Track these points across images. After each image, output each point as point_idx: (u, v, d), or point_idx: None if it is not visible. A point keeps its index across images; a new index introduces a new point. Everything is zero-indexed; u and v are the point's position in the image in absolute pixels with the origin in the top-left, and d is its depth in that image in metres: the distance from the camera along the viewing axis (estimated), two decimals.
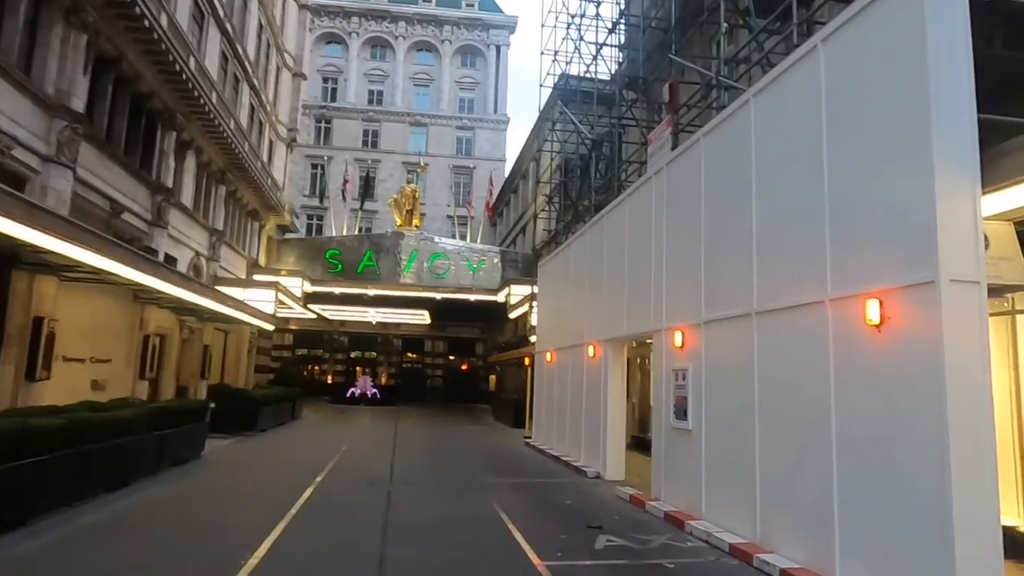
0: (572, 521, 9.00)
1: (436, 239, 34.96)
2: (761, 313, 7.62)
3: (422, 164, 40.05)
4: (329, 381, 47.48)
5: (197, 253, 22.40)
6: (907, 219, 5.55)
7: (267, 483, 11.39)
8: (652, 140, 11.92)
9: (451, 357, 50.79)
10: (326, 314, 43.27)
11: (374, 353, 49.83)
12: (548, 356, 18.24)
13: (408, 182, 37.12)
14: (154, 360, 18.47)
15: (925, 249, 5.29)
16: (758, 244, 7.74)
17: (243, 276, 26.82)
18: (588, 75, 19.78)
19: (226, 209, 25.70)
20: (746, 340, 7.84)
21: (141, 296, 16.99)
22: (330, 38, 55.99)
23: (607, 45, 19.16)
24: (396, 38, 56.00)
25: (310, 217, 49.51)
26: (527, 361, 22.82)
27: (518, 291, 28.55)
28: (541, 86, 22.75)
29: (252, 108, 27.99)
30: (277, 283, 25.19)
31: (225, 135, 21.96)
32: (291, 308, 35.19)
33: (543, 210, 22.73)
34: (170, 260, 19.91)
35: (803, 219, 6.93)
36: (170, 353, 20.59)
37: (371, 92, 55.67)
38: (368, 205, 49.21)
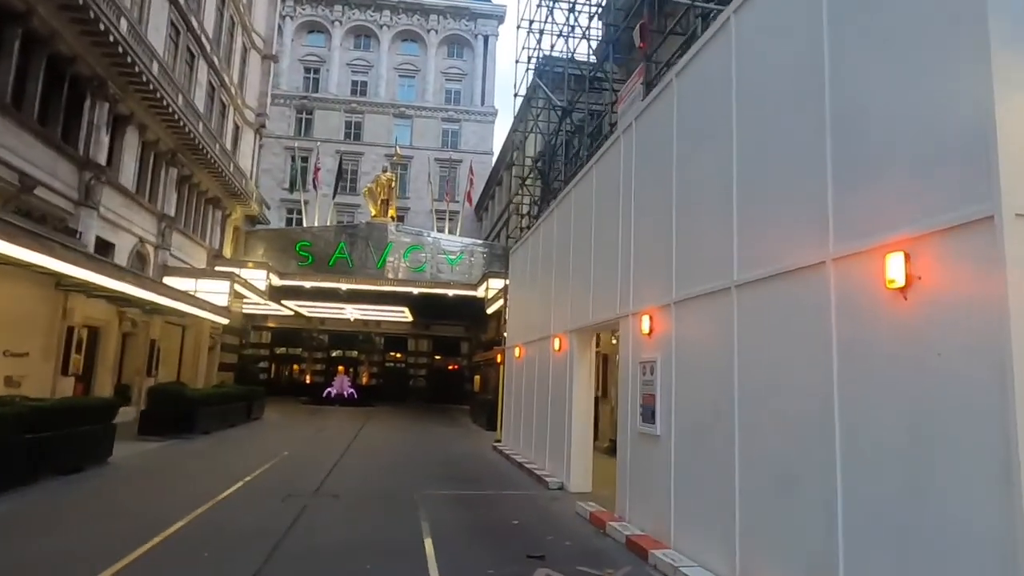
0: (511, 548, 7.26)
1: (412, 230, 33.23)
2: (743, 285, 5.90)
3: (398, 152, 38.20)
4: (308, 381, 45.56)
5: (141, 239, 20.61)
6: (946, 134, 3.83)
7: (162, 497, 9.62)
8: (623, 97, 10.20)
9: (436, 357, 48.93)
10: (302, 311, 41.47)
11: (355, 352, 47.99)
12: (517, 352, 16.52)
13: (384, 170, 35.25)
14: (80, 355, 16.66)
15: (977, 173, 3.57)
16: (739, 198, 6.02)
17: (203, 267, 25.00)
18: (565, 54, 18.07)
19: (179, 194, 23.91)
20: (724, 321, 6.12)
21: (64, 284, 15.21)
22: (312, 27, 54.28)
23: (586, 4, 17.45)
24: (381, 27, 54.31)
25: (290, 211, 47.66)
26: (499, 358, 21.09)
27: (496, 285, 26.83)
28: (516, 62, 21.04)
29: (212, 88, 26.21)
30: (233, 274, 23.37)
31: (172, 112, 20.16)
32: (254, 302, 33.46)
33: (516, 194, 20.93)
34: (105, 245, 18.14)
35: (796, 156, 5.22)
36: (105, 347, 18.79)
37: (354, 83, 54.00)
38: (350, 199, 47.49)
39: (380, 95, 53.17)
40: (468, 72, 54.97)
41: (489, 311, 27.73)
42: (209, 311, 21.16)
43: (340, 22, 53.99)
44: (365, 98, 53.03)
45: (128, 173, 19.42)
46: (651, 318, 7.87)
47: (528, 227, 17.85)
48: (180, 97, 20.99)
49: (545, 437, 12.99)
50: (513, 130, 20.76)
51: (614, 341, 17.88)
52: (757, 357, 5.65)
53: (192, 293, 21.29)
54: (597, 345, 17.53)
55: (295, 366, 47.69)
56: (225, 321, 23.16)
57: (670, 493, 7.06)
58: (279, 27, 53.04)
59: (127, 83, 17.93)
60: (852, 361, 4.46)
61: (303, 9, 53.92)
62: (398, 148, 39.93)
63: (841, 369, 4.54)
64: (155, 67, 18.67)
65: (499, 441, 18.50)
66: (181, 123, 21.06)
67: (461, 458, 15.61)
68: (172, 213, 22.63)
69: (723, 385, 6.06)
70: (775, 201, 5.52)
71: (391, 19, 54.44)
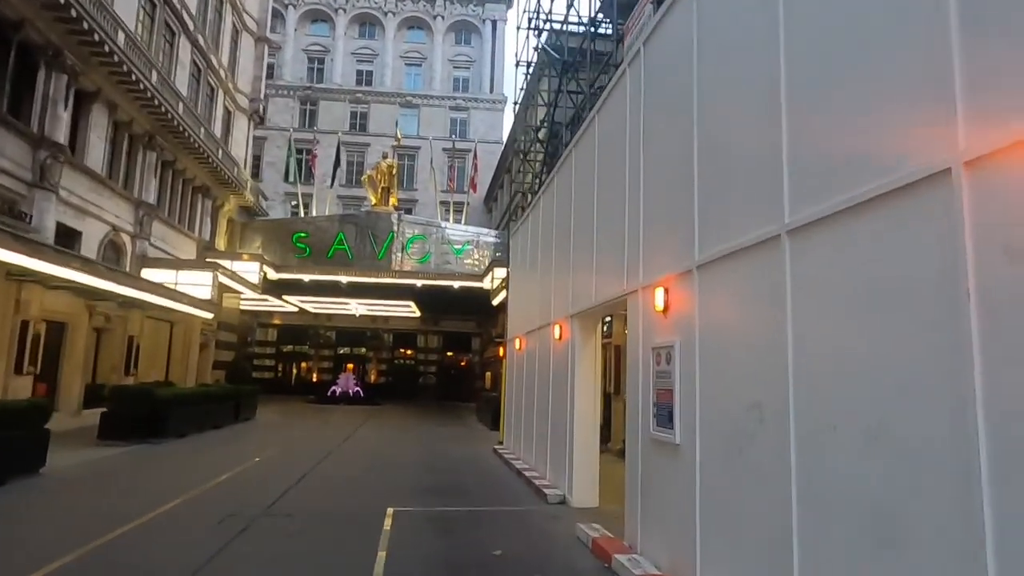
0: None
1: (415, 219, 31.56)
2: (799, 230, 4.04)
3: (399, 137, 36.50)
4: (315, 379, 44.16)
5: (115, 227, 19.09)
6: None
7: (69, 519, 7.95)
8: (629, 28, 8.34)
9: (447, 353, 47.30)
10: (305, 306, 40.06)
11: (363, 349, 46.54)
12: (517, 344, 14.72)
13: (384, 156, 33.52)
14: (37, 352, 15.16)
15: None
16: (791, 97, 4.16)
17: (185, 259, 23.49)
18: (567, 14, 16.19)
19: (162, 181, 22.40)
20: (770, 285, 4.28)
21: (15, 274, 13.69)
22: (316, 16, 52.81)
23: None
24: (385, 14, 52.70)
25: (295, 205, 46.30)
26: (501, 352, 19.33)
27: (501, 274, 25.03)
28: (518, 28, 19.20)
29: (198, 69, 24.68)
30: (216, 265, 21.81)
31: (144, 89, 18.60)
32: (253, 298, 31.99)
33: (519, 172, 19.07)
34: (69, 233, 16.63)
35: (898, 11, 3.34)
36: (72, 344, 17.29)
37: (359, 72, 52.47)
38: (356, 191, 45.91)
39: (386, 84, 51.62)
40: (476, 59, 53.21)
41: (495, 302, 25.94)
42: (188, 305, 19.60)
43: (344, 10, 52.47)
44: (370, 88, 51.48)
45: (96, 155, 17.90)
46: (666, 291, 6.02)
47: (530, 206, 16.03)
48: (155, 74, 19.43)
49: (545, 440, 11.19)
50: (515, 102, 18.94)
51: (628, 332, 16.04)
52: (825, 331, 3.80)
53: (170, 286, 19.75)
54: (608, 335, 15.71)
55: (304, 364, 46.33)
56: (209, 316, 21.64)
57: (695, 521, 5.22)
58: (282, 16, 52.00)
59: (89, 54, 16.38)
60: (1006, 332, 2.60)
61: None
62: (399, 133, 38.17)
63: (984, 346, 2.67)
64: (121, 38, 17.09)
65: (501, 443, 16.76)
66: (157, 103, 19.52)
67: (455, 463, 13.85)
68: (152, 200, 21.13)
69: (770, 377, 4.22)
70: (856, 89, 3.63)
71: (396, 6, 52.81)
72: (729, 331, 4.93)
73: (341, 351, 46.51)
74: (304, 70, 52.26)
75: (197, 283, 20.90)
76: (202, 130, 23.54)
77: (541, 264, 12.65)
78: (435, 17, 52.85)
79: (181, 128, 21.40)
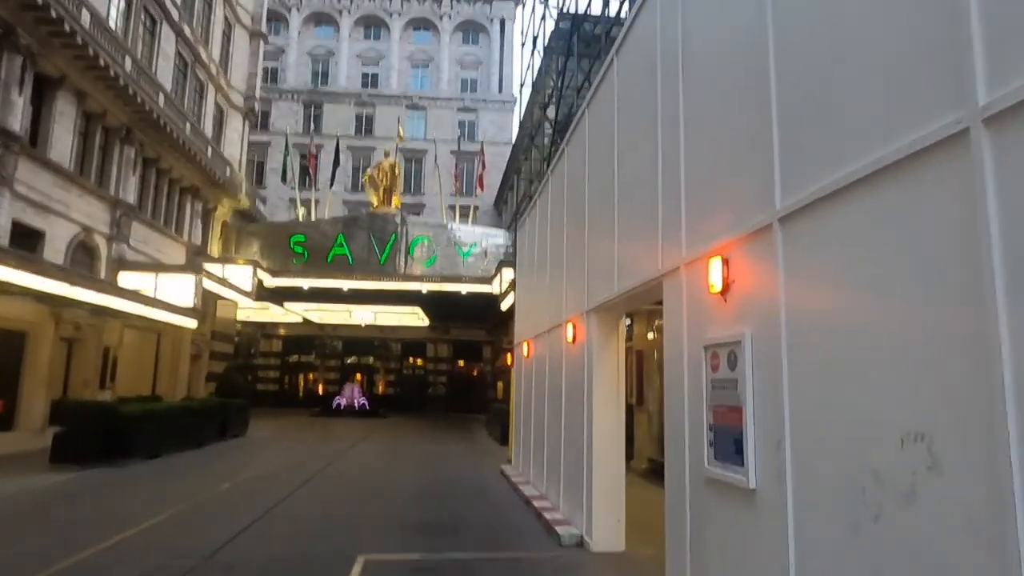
0: None
1: (419, 220, 29.84)
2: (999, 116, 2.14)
3: (401, 134, 34.88)
4: (321, 391, 42.52)
5: (86, 228, 17.48)
6: None
7: None
8: None
9: (459, 362, 45.51)
10: (308, 315, 38.47)
11: (371, 359, 44.92)
12: (525, 349, 12.84)
13: (386, 155, 31.82)
14: None
15: None
16: None
17: (173, 264, 21.87)
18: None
19: (143, 180, 20.84)
20: (955, 222, 2.38)
21: None
22: (319, 18, 51.60)
23: None
24: (391, 15, 51.39)
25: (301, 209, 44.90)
26: (509, 360, 17.50)
27: (510, 276, 23.20)
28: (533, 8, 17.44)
29: (184, 62, 23.18)
30: (200, 269, 20.15)
31: (116, 77, 17.04)
32: (251, 307, 30.40)
33: (526, 159, 17.20)
34: (29, 233, 15.02)
35: None
36: (34, 356, 15.65)
37: (364, 75, 51.19)
38: (362, 197, 44.40)
39: (392, 86, 50.25)
40: (484, 59, 51.72)
41: (504, 307, 24.08)
42: (165, 311, 17.92)
43: (348, 11, 51.25)
44: (376, 90, 50.12)
45: (62, 148, 16.33)
46: (725, 262, 4.13)
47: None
48: (129, 62, 17.87)
49: (558, 463, 9.28)
50: (521, 84, 17.16)
51: (650, 335, 14.10)
52: None
53: (148, 292, 18.10)
54: (628, 339, 13.80)
55: (311, 375, 44.74)
56: (192, 324, 19.96)
57: None
58: (285, 19, 50.85)
59: (48, 35, 14.82)
60: None
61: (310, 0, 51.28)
62: (401, 130, 36.56)
63: None
64: (86, 18, 15.54)
65: (510, 462, 14.88)
66: (132, 92, 17.95)
67: (454, 489, 11.95)
68: (131, 200, 19.55)
69: (954, 390, 2.31)
70: None
71: (402, 6, 51.51)
72: (849, 314, 3.02)
73: (348, 361, 45.00)
74: (308, 74, 51.08)
75: (180, 289, 19.25)
76: (187, 126, 21.98)
77: (551, 255, 10.78)
78: (442, 17, 51.48)
79: (162, 122, 19.83)
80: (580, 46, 13.74)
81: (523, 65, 17.23)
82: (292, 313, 36.66)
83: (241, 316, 37.08)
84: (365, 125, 49.65)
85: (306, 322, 40.81)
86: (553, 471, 9.72)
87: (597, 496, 7.49)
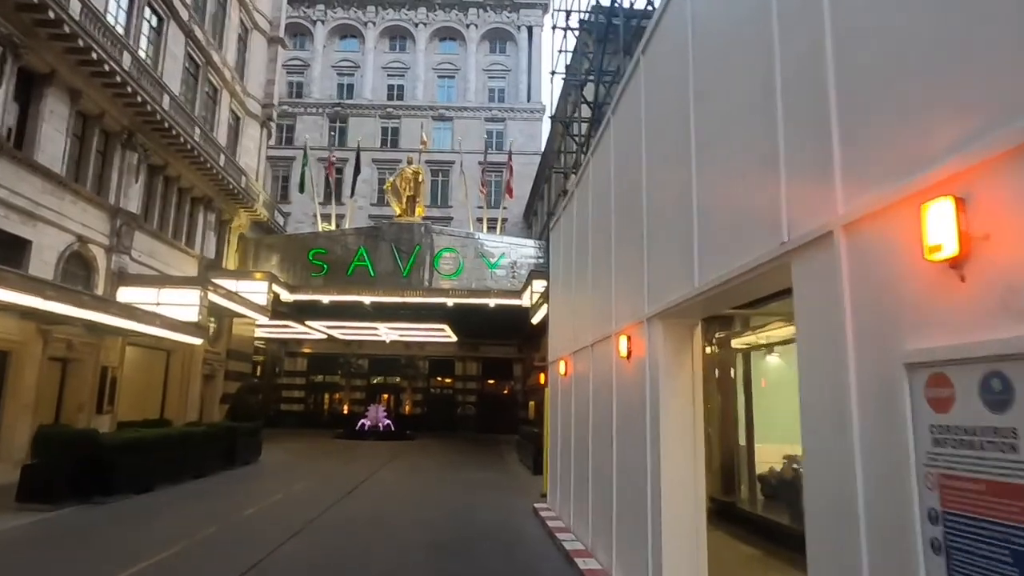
0: None
1: (445, 231, 28.17)
2: None
3: (425, 141, 33.39)
4: (345, 411, 40.99)
5: (81, 238, 16.10)
6: None
7: None
8: None
9: (489, 381, 43.68)
10: (332, 332, 37.08)
11: (397, 378, 43.35)
12: (562, 367, 10.88)
13: (409, 162, 30.23)
14: None
15: None
16: None
17: (177, 276, 20.45)
18: None
19: (149, 189, 19.52)
20: None
21: None
22: (345, 31, 50.83)
23: None
24: (416, 26, 50.40)
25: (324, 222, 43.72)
26: (542, 379, 15.57)
27: (541, 288, 21.34)
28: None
29: (196, 64, 21.97)
30: (207, 282, 18.65)
31: (112, 73, 15.72)
32: (271, 324, 28.99)
33: (560, 151, 15.28)
34: (15, 242, 13.64)
35: None
36: (18, 378, 14.17)
37: (390, 87, 50.17)
38: (388, 211, 43.14)
39: (418, 98, 49.11)
40: (512, 67, 50.34)
41: (535, 320, 22.15)
42: (165, 328, 16.38)
43: (374, 23, 50.39)
44: (402, 102, 49.04)
45: (53, 150, 15.00)
46: (961, 205, 2.17)
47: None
48: (128, 58, 16.56)
49: (608, 510, 7.28)
50: (551, 71, 15.34)
51: (709, 349, 12.03)
52: None
53: (149, 307, 16.63)
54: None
55: (336, 394, 43.29)
56: (197, 341, 18.43)
57: None
58: (310, 32, 50.21)
59: (33, 24, 13.52)
60: None
61: (334, 12, 50.59)
62: (425, 136, 35.11)
63: None
64: (75, 7, 14.22)
65: (544, 496, 12.89)
66: (131, 91, 16.62)
67: (480, 536, 9.98)
68: (134, 209, 18.19)
69: None
70: None
71: (427, 16, 50.50)
72: None
73: (374, 380, 43.54)
74: (333, 87, 50.25)
75: (183, 303, 17.76)
76: (197, 131, 20.65)
77: (594, 255, 8.85)
78: (468, 26, 50.33)
79: (168, 126, 18.50)
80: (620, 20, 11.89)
81: (554, 48, 15.40)
82: (313, 330, 35.33)
83: (262, 333, 35.94)
84: (391, 138, 48.59)
85: (331, 339, 39.44)
86: (601, 519, 7.72)
87: (669, 565, 5.48)
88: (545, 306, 19.00)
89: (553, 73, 15.53)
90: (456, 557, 8.57)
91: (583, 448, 8.98)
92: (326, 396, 43.17)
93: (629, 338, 6.67)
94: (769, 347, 11.02)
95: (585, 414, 8.90)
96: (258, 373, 41.83)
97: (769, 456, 10.11)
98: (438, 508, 12.46)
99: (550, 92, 15.72)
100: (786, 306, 9.38)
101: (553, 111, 13.94)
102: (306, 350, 42.87)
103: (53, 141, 14.99)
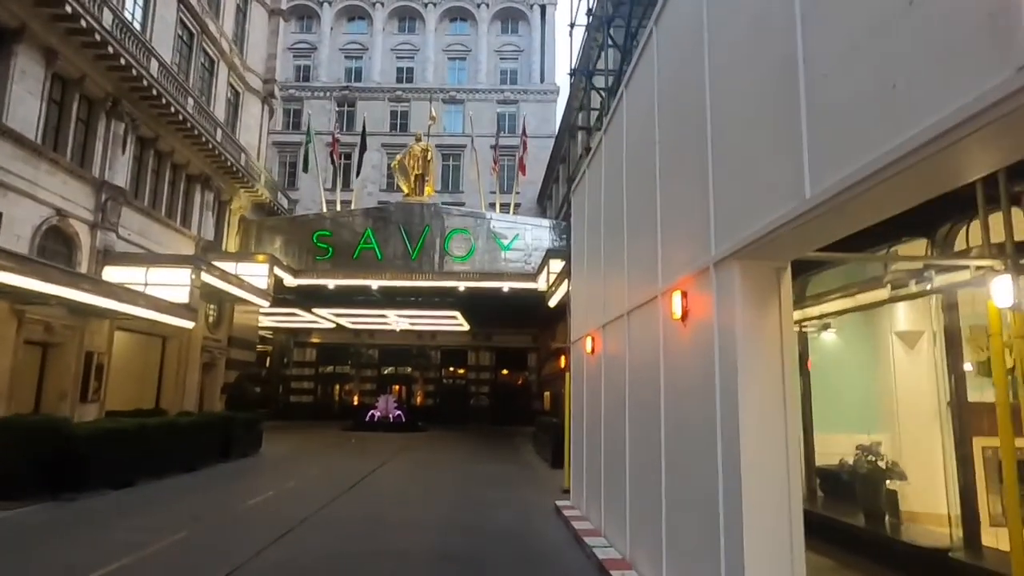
0: None
1: (455, 210, 26.71)
2: None
3: (433, 116, 31.94)
4: (355, 403, 39.83)
5: (61, 212, 14.82)
6: None
7: None
8: None
9: (502, 371, 42.41)
10: (341, 320, 35.85)
11: (409, 369, 42.19)
12: (588, 344, 9.39)
13: (418, 139, 28.71)
14: None
15: None
16: None
17: (167, 255, 19.13)
18: None
19: (140, 163, 18.24)
20: None
21: None
22: (352, 12, 49.36)
23: None
24: (426, 6, 48.86)
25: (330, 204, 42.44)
26: (562, 362, 14.13)
27: (558, 268, 19.86)
28: None
29: (189, 32, 20.63)
30: (198, 261, 17.32)
31: (90, 30, 14.38)
32: (274, 312, 27.76)
33: (582, 106, 13.72)
34: None
35: None
36: None
37: (399, 70, 48.71)
38: (398, 197, 41.82)
39: (427, 80, 47.60)
40: (524, 48, 48.70)
41: (552, 303, 20.68)
42: (153, 309, 15.07)
43: (382, 4, 48.89)
44: (411, 84, 47.56)
45: (25, 114, 13.70)
46: None
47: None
48: (110, 17, 15.21)
49: (656, 513, 5.81)
50: (570, 24, 13.78)
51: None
52: None
53: (129, 286, 15.34)
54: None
55: (346, 386, 42.16)
56: (188, 324, 17.11)
57: None
58: (317, 15, 48.81)
59: None
60: None
61: None
62: (433, 111, 33.66)
63: None
64: None
65: (566, 492, 11.47)
66: (116, 55, 15.29)
67: (496, 543, 8.54)
68: (121, 183, 16.89)
69: None
70: None
71: None
72: None
73: (385, 371, 42.42)
74: (341, 71, 48.85)
75: (174, 283, 16.46)
76: (190, 102, 19.32)
77: (630, 201, 7.35)
78: (479, 6, 48.70)
79: (156, 93, 17.16)
80: None
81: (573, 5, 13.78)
82: (321, 317, 34.10)
83: (269, 322, 34.75)
84: (400, 121, 47.19)
85: (341, 328, 38.24)
86: (646, 527, 6.26)
87: None
88: (564, 285, 17.53)
89: (572, 25, 13.98)
90: (460, 567, 7.13)
91: (617, 438, 7.51)
92: (336, 387, 42.13)
93: (684, 295, 5.18)
94: (826, 323, 9.50)
95: (620, 398, 7.43)
96: (267, 364, 40.79)
97: (834, 447, 8.61)
98: (448, 507, 11.05)
99: (568, 46, 14.14)
100: (841, 276, 7.79)
101: (574, 64, 12.42)
102: (315, 340, 41.82)
103: (25, 104, 13.69)
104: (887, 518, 7.49)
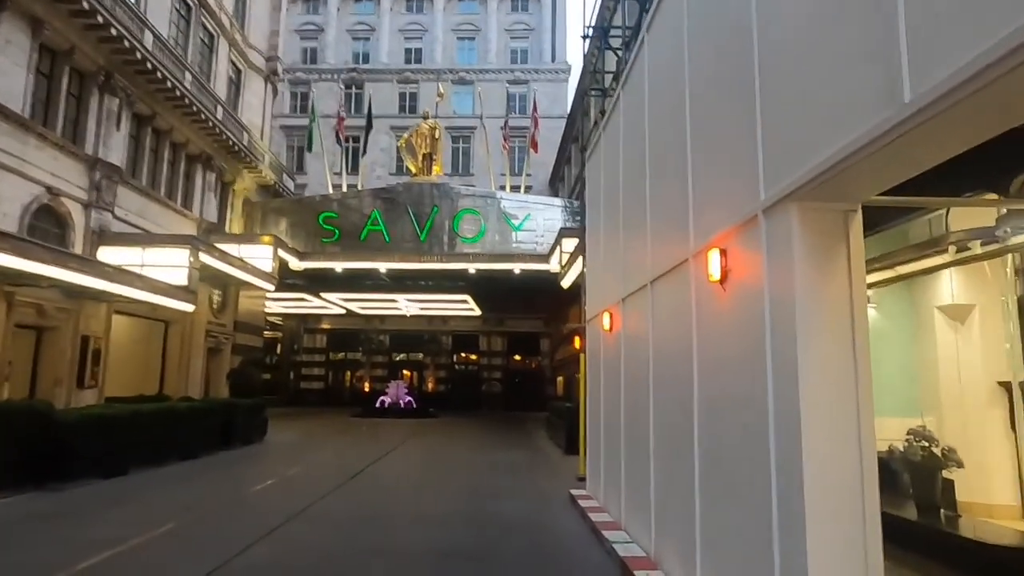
0: None
1: (464, 190, 25.88)
2: None
3: (441, 93, 31.11)
4: (366, 389, 39.33)
5: (52, 190, 14.20)
6: None
7: None
8: None
9: (515, 357, 41.75)
10: (350, 305, 35.24)
11: (420, 354, 41.65)
12: (606, 321, 8.61)
13: (425, 117, 27.86)
14: None
15: None
16: None
17: (164, 235, 18.51)
18: None
19: (136, 141, 17.60)
20: None
21: None
22: None
23: None
24: None
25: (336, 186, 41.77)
26: (576, 344, 13.40)
27: (571, 247, 19.09)
28: None
29: (188, 7, 19.90)
30: (197, 241, 16.68)
31: (80, 0, 13.67)
32: (280, 298, 27.24)
33: (595, 69, 12.84)
34: None
35: None
36: None
37: (408, 51, 47.81)
38: (407, 180, 41.06)
39: (436, 61, 46.64)
40: (535, 26, 47.57)
41: (565, 284, 19.90)
42: (148, 291, 14.45)
43: None
44: (420, 65, 46.62)
45: (10, 86, 13.05)
46: None
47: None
48: None
49: (688, 506, 5.06)
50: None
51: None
52: None
53: (125, 268, 14.73)
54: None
55: (357, 372, 41.67)
56: (188, 307, 16.50)
57: None
58: None
59: None
60: None
61: None
62: (441, 87, 32.82)
63: None
64: None
65: (582, 479, 10.77)
66: (106, 25, 14.58)
67: (506, 538, 7.82)
68: (116, 161, 16.25)
69: None
70: None
71: None
72: None
73: (396, 357, 41.90)
74: (348, 52, 48.01)
75: (171, 264, 15.84)
76: (188, 77, 18.61)
77: (654, 154, 6.53)
78: None
79: (151, 67, 16.47)
80: None
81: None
82: (329, 302, 33.52)
83: (278, 308, 34.24)
84: (409, 103, 46.32)
85: (351, 314, 37.70)
86: (676, 523, 5.51)
87: None
88: (578, 264, 16.73)
89: None
90: (472, 572, 6.42)
91: (639, 422, 6.75)
92: (347, 374, 41.71)
93: (724, 253, 4.39)
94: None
95: (642, 378, 6.66)
96: (277, 351, 40.39)
97: (880, 431, 7.81)
98: (455, 498, 10.36)
99: (581, 5, 13.21)
100: (886, 241, 6.88)
101: (590, 20, 11.53)
102: (325, 326, 41.37)
103: (10, 75, 13.03)
104: (942, 511, 6.69)
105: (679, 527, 5.36)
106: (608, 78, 11.89)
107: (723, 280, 4.42)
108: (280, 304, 32.18)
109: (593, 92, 12.35)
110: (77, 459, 10.37)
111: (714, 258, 4.45)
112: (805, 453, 3.27)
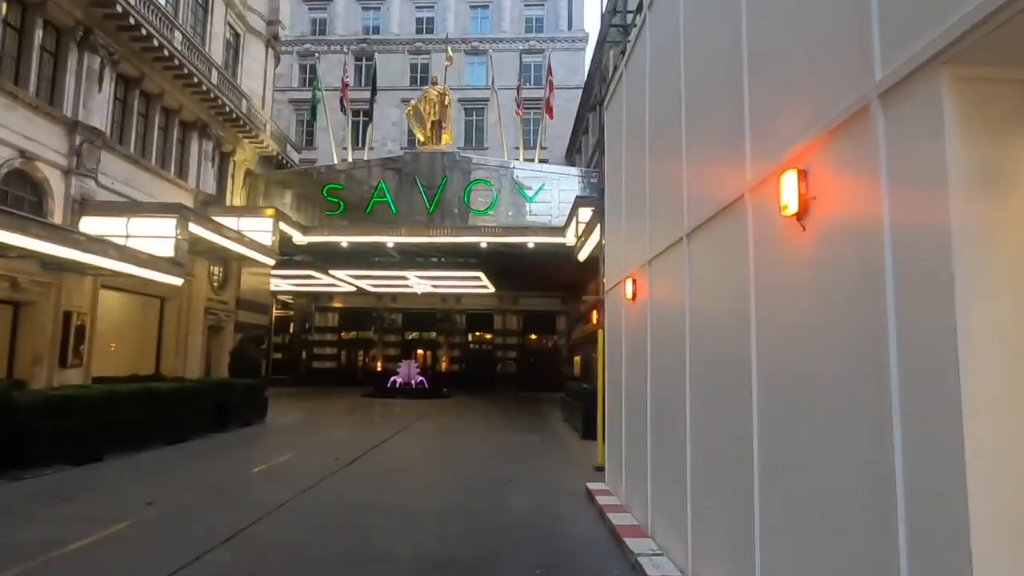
0: None
1: (475, 160, 24.51)
2: None
3: (450, 56, 29.67)
4: (378, 368, 38.46)
5: (25, 153, 13.11)
6: None
7: None
8: None
9: (530, 336, 40.61)
10: (360, 283, 34.18)
11: (433, 333, 40.66)
12: (628, 289, 7.31)
13: (434, 83, 26.41)
14: None
15: None
16: None
17: (149, 203, 17.40)
18: None
19: (123, 104, 16.45)
20: None
21: None
22: None
23: None
24: None
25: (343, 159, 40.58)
26: (594, 319, 12.13)
27: (587, 216, 17.75)
28: None
29: None
30: (183, 209, 15.54)
31: None
32: (287, 275, 26.25)
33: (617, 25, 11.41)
34: None
35: None
36: None
37: (419, 20, 46.25)
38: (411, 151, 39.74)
39: (448, 31, 44.98)
40: None
41: (582, 257, 18.56)
42: (130, 262, 13.36)
43: None
44: (432, 35, 45.05)
45: None
46: None
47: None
48: None
49: (747, 519, 3.82)
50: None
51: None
52: None
53: (108, 238, 13.66)
54: None
55: (371, 351, 40.84)
56: (176, 280, 15.41)
57: None
58: None
59: None
60: None
61: None
62: (450, 50, 31.36)
63: None
64: None
65: (600, 469, 9.58)
66: None
67: (513, 544, 6.65)
68: (100, 126, 15.13)
69: None
70: None
71: None
72: None
73: (409, 336, 40.92)
74: (358, 23, 46.50)
75: (159, 235, 14.75)
76: (178, 36, 17.39)
77: (690, 68, 5.19)
78: None
79: (135, 23, 15.26)
80: None
81: None
82: (338, 280, 32.48)
83: (287, 286, 33.30)
84: (420, 75, 44.78)
85: (362, 292, 36.72)
86: (725, 535, 4.28)
87: None
88: (596, 235, 15.38)
89: None
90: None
91: (671, 408, 5.50)
92: (360, 353, 40.88)
93: (803, 175, 3.08)
94: None
95: (675, 355, 5.38)
96: (289, 330, 39.61)
97: None
98: (456, 490, 9.21)
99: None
100: None
101: None
102: (337, 305, 40.48)
103: None
104: None
105: (730, 547, 4.12)
106: (628, 18, 10.48)
107: (802, 215, 3.12)
108: (288, 282, 31.20)
109: (613, 28, 10.93)
110: (37, 444, 9.36)
111: (789, 184, 3.14)
112: (970, 474, 2.00)
